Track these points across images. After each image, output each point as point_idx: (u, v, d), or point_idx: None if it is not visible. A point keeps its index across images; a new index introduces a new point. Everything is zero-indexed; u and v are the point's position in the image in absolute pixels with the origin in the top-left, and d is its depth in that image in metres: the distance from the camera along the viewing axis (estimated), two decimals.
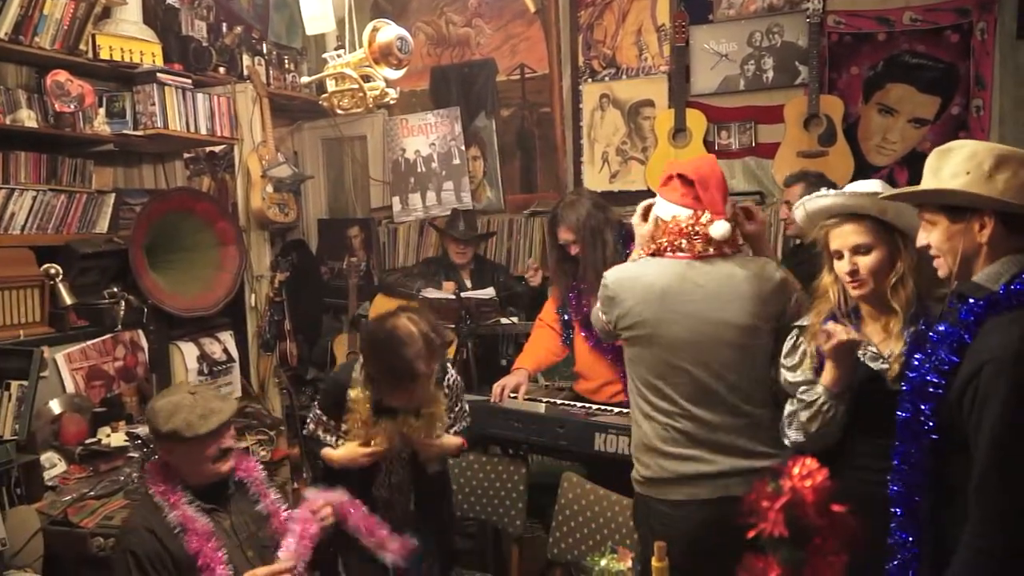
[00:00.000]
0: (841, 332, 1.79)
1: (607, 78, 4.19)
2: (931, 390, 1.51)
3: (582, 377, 3.05)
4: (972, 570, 1.43)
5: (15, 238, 3.02)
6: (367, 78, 1.94)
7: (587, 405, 2.92)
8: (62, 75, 3.15)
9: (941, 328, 1.55)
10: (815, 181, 2.99)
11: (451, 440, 2.42)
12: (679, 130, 3.93)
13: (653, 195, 3.84)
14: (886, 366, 1.81)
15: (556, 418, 2.82)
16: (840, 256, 1.86)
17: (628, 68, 4.14)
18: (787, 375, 1.96)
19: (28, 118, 3.05)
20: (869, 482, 1.74)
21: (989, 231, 1.50)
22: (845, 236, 1.84)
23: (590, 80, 4.23)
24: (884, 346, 1.85)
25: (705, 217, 2.05)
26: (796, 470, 1.19)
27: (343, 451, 2.33)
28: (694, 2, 3.92)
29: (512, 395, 2.99)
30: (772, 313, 2.07)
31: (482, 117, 4.51)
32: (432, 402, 2.33)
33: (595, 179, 4.22)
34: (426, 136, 4.58)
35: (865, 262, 1.82)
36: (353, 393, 2.29)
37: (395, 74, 1.96)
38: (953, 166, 1.54)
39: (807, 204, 1.93)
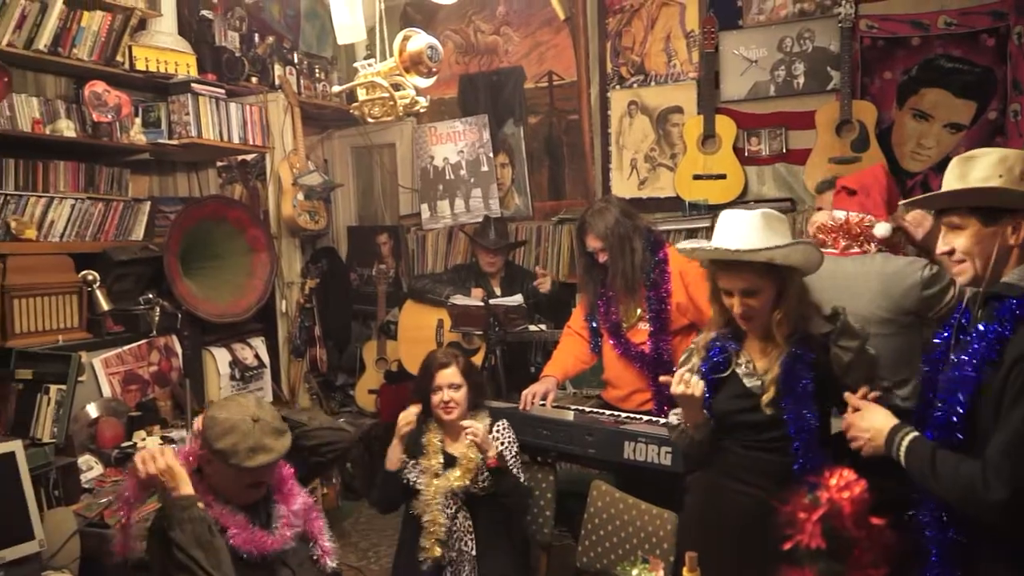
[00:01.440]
0: (680, 385, 1.92)
1: (635, 85, 4.18)
2: (969, 383, 1.51)
3: (611, 385, 3.04)
4: (962, 485, 1.46)
5: (54, 245, 3.09)
6: (397, 86, 1.96)
7: (616, 413, 2.90)
8: (100, 86, 3.22)
9: (981, 327, 1.54)
10: None
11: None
12: (708, 136, 3.91)
13: (682, 202, 3.93)
14: (759, 382, 1.95)
15: (585, 426, 2.81)
16: (730, 294, 1.96)
17: (657, 75, 4.13)
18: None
19: (67, 128, 3.12)
20: (738, 491, 1.93)
21: (1022, 233, 1.51)
22: (734, 281, 1.93)
23: (618, 87, 4.22)
24: (761, 364, 1.98)
25: (867, 219, 2.31)
26: (834, 481, 1.17)
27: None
28: (723, 8, 3.90)
29: (540, 402, 2.98)
30: (907, 308, 2.27)
31: (510, 124, 4.53)
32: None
33: (623, 186, 4.21)
34: (454, 143, 4.60)
35: (754, 303, 1.93)
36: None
37: (425, 82, 1.97)
38: (983, 171, 1.54)
39: (695, 252, 2.01)
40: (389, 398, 4.14)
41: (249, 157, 4.10)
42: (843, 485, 1.16)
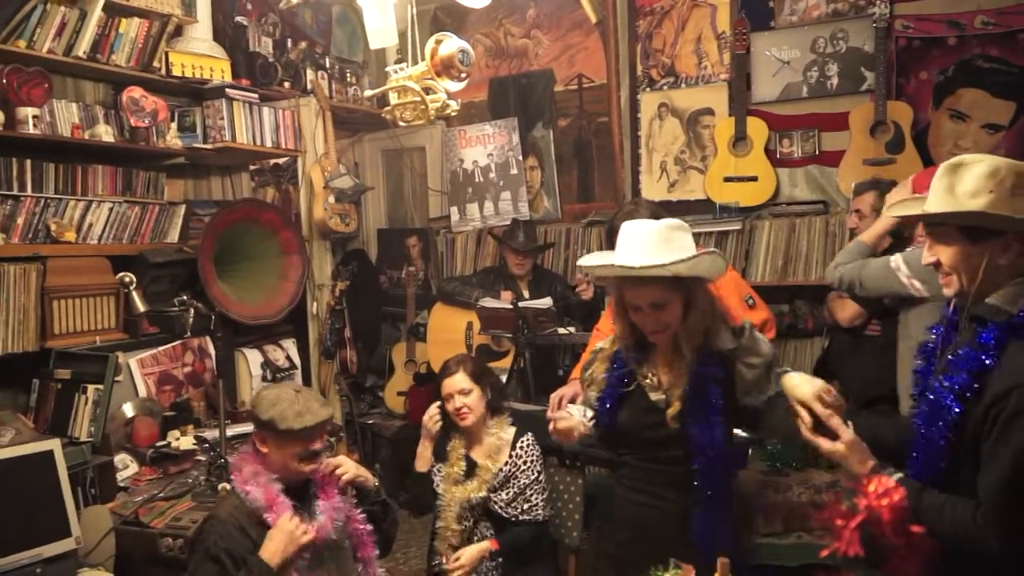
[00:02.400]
0: (559, 422, 2.00)
1: (666, 87, 4.16)
2: (949, 414, 1.46)
3: None
4: (965, 534, 1.40)
5: (93, 248, 3.15)
6: (429, 90, 1.97)
7: None
8: (137, 91, 3.28)
9: (961, 352, 1.50)
10: (886, 189, 2.92)
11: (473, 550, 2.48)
12: (739, 138, 3.88)
13: (713, 205, 3.89)
14: (663, 396, 1.93)
15: None
16: (638, 309, 1.91)
17: (687, 77, 4.11)
18: None
19: (105, 133, 3.18)
20: (639, 503, 1.97)
21: (1013, 253, 1.45)
22: (642, 296, 1.89)
23: (648, 89, 4.21)
24: (667, 378, 1.94)
25: None
26: (872, 488, 1.15)
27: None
28: (755, 9, 3.87)
29: (569, 405, 2.97)
30: None
31: (540, 127, 4.53)
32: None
33: (653, 188, 4.19)
34: (484, 146, 4.62)
35: (662, 316, 1.88)
36: None
37: (456, 86, 1.98)
38: (972, 183, 1.46)
39: (597, 269, 1.95)
40: (418, 400, 4.16)
41: (281, 160, 4.15)
42: (882, 492, 1.14)
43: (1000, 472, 1.38)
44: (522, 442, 2.55)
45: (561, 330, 3.62)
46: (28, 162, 2.96)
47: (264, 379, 3.67)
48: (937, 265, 1.55)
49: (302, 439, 2.08)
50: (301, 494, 2.17)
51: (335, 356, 4.07)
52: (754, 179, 3.86)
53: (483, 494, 2.48)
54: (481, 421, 2.55)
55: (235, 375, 3.61)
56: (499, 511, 2.49)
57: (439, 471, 2.57)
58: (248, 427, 2.76)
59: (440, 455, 2.59)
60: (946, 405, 1.46)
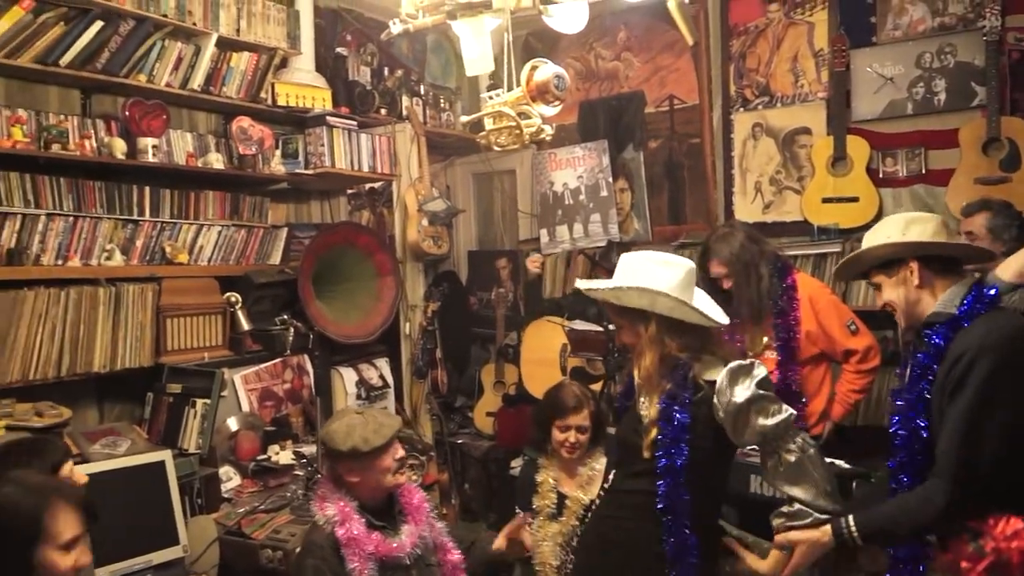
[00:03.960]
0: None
1: (760, 106, 4.08)
2: (921, 400, 1.69)
3: None
4: (915, 508, 1.58)
5: (202, 269, 3.33)
6: (524, 115, 2.00)
7: None
8: (245, 121, 3.46)
9: (919, 357, 1.73)
10: (1000, 210, 2.76)
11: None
12: (839, 158, 3.75)
13: (810, 226, 3.78)
14: (645, 420, 1.94)
15: None
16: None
17: (783, 96, 4.02)
18: None
19: (216, 160, 3.36)
20: (609, 517, 2.04)
21: (917, 274, 1.77)
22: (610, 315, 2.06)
23: (742, 109, 4.14)
24: (647, 402, 1.97)
25: None
26: (999, 529, 1.08)
27: None
28: (855, 25, 3.76)
29: None
30: None
31: (630, 149, 4.51)
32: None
33: (747, 210, 4.10)
34: (574, 169, 4.63)
35: (620, 336, 2.04)
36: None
37: (551, 111, 2.00)
38: (876, 236, 1.86)
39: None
40: (507, 421, 4.17)
41: (377, 184, 4.28)
42: (1011, 534, 1.07)
43: (953, 425, 1.58)
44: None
45: None
46: (147, 188, 3.15)
47: (359, 397, 3.76)
48: (887, 307, 1.85)
49: (388, 452, 2.15)
50: (387, 512, 2.22)
51: (427, 376, 4.13)
52: (855, 200, 3.72)
53: (573, 524, 2.45)
54: (582, 456, 2.53)
55: (331, 393, 3.72)
56: None
57: (529, 505, 2.54)
58: None
59: (527, 490, 2.58)
60: (914, 395, 1.69)
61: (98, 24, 2.89)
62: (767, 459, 1.87)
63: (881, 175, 3.71)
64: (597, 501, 2.45)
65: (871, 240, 1.86)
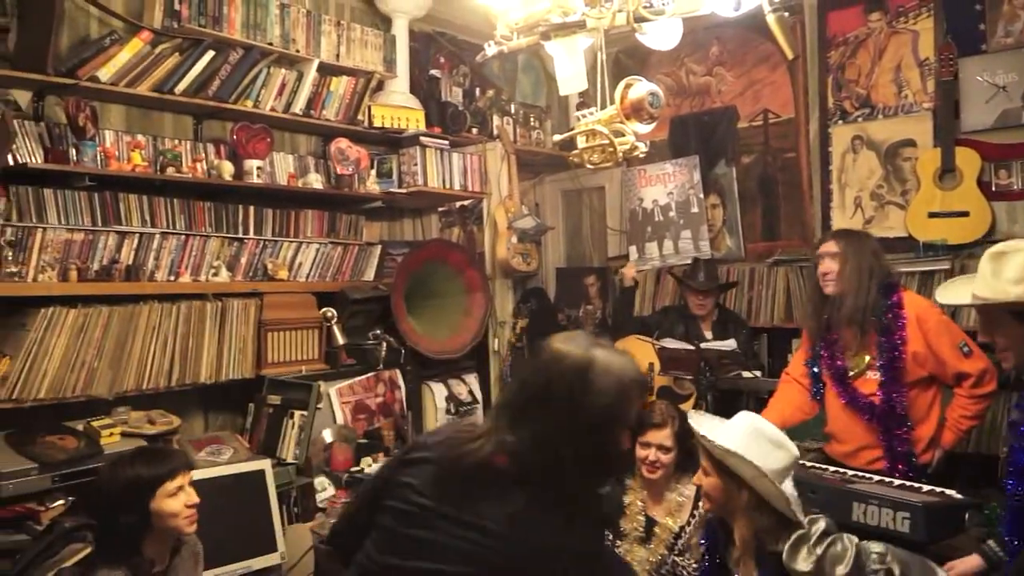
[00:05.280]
0: None
1: (860, 118, 3.94)
2: None
3: (835, 439, 2.82)
4: None
5: (301, 285, 3.45)
6: (617, 133, 1.99)
7: (841, 470, 2.68)
8: (343, 142, 3.58)
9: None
10: None
11: None
12: (947, 171, 3.57)
13: (915, 242, 3.61)
14: None
15: (806, 482, 2.60)
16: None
17: (885, 107, 3.87)
18: None
19: (315, 180, 3.49)
20: None
21: None
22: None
23: (840, 122, 4.00)
24: (744, 571, 1.91)
25: None
26: None
27: None
28: (963, 33, 3.58)
29: None
30: None
31: (722, 164, 4.43)
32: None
33: (846, 225, 3.93)
34: (664, 185, 4.58)
35: (705, 489, 1.95)
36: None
37: (645, 128, 1.99)
38: (1014, 272, 1.71)
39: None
40: None
41: (467, 202, 4.35)
42: None
43: None
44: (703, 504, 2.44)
45: (746, 374, 3.48)
46: (251, 208, 3.31)
47: (448, 412, 3.81)
48: (992, 343, 1.79)
49: None
50: None
51: None
52: (964, 214, 3.53)
53: (663, 552, 2.39)
54: (666, 478, 2.46)
55: (422, 407, 3.79)
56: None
57: (616, 527, 2.50)
58: None
59: (614, 505, 2.53)
60: None
61: (210, 54, 3.06)
62: None
63: (994, 188, 3.51)
64: (688, 529, 2.39)
65: (1007, 277, 1.72)
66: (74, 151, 2.78)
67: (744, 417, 1.98)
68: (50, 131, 2.77)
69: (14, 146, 2.61)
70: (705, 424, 1.95)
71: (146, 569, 2.00)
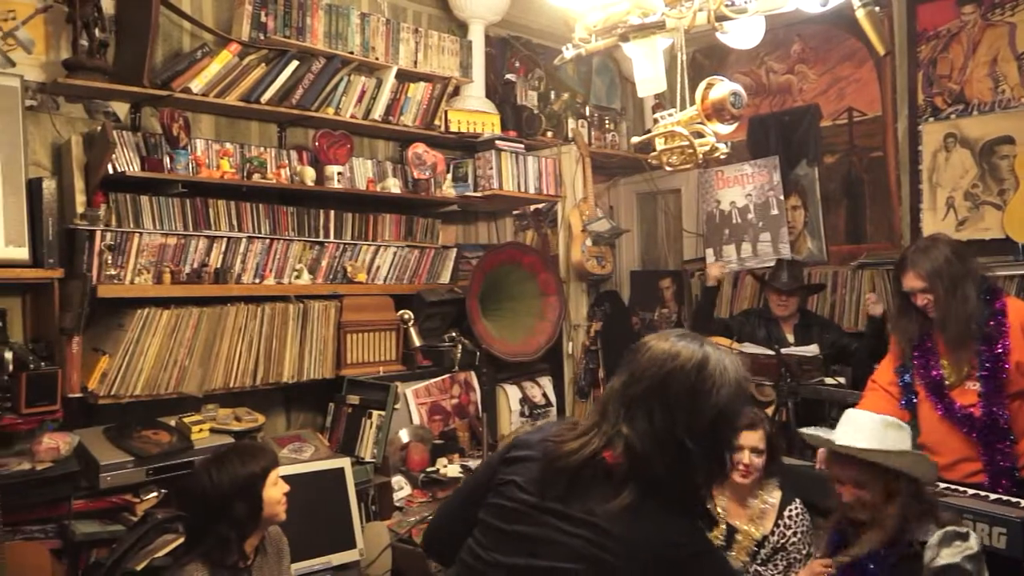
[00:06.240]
0: None
1: (953, 115, 3.76)
2: None
3: (930, 451, 2.67)
4: None
5: (379, 287, 3.52)
6: (698, 134, 1.96)
7: (936, 484, 2.56)
8: (420, 147, 3.64)
9: None
10: None
11: None
12: None
13: (1014, 245, 3.42)
14: None
15: None
16: (841, 483, 2.06)
17: (980, 103, 3.68)
18: None
19: (393, 185, 3.56)
20: None
21: None
22: (844, 471, 2.05)
23: (932, 119, 3.83)
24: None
25: None
26: None
27: None
28: None
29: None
30: None
31: (803, 165, 4.31)
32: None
33: (938, 227, 3.77)
34: (742, 187, 4.48)
35: (859, 494, 2.01)
36: None
37: (726, 129, 1.95)
38: None
39: (813, 438, 2.21)
40: None
41: (542, 205, 4.35)
42: None
43: None
44: (790, 510, 2.36)
45: (828, 380, 3.37)
46: (332, 213, 3.39)
47: (522, 415, 3.82)
48: None
49: None
50: None
51: (589, 396, 4.13)
52: None
53: (744, 560, 2.33)
54: (753, 483, 2.40)
55: (496, 409, 3.81)
56: None
57: None
58: None
59: None
60: None
61: (294, 64, 3.16)
62: None
63: None
64: (771, 537, 2.32)
65: None
66: (168, 159, 2.91)
67: (855, 415, 2.05)
68: (146, 141, 2.91)
69: (113, 156, 2.76)
70: (840, 437, 2.03)
71: (238, 564, 2.07)
